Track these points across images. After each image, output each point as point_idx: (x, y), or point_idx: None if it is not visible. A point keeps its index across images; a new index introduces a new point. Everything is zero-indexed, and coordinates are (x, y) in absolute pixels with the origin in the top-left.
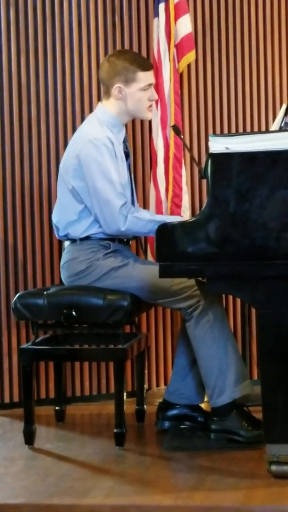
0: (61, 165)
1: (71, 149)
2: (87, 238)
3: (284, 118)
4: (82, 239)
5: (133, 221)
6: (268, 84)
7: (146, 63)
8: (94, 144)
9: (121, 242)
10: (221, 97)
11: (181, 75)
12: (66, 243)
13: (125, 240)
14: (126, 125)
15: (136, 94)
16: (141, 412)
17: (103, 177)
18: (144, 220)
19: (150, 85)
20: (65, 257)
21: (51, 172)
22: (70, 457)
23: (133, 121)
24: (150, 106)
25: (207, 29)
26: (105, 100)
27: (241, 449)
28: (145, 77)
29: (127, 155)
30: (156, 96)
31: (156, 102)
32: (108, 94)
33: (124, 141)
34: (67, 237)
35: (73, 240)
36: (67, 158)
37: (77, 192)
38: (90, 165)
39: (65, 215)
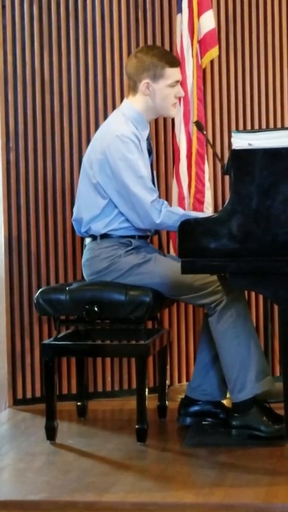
0: (84, 160)
1: (97, 144)
2: (107, 235)
3: None
4: (102, 237)
5: (167, 215)
6: None
7: (174, 59)
8: (122, 140)
9: (142, 239)
10: (244, 93)
11: (204, 70)
12: (87, 241)
13: (145, 236)
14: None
15: (163, 91)
16: (163, 408)
17: (132, 173)
18: (179, 214)
19: (177, 81)
20: (86, 255)
21: (73, 168)
22: (91, 453)
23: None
24: (175, 103)
25: (230, 25)
26: (132, 96)
27: (262, 445)
28: (173, 74)
29: (149, 152)
30: (182, 93)
31: (179, 98)
32: (135, 90)
33: (148, 139)
34: (88, 233)
35: (93, 238)
36: (92, 153)
37: (102, 187)
38: (118, 162)
39: (88, 210)
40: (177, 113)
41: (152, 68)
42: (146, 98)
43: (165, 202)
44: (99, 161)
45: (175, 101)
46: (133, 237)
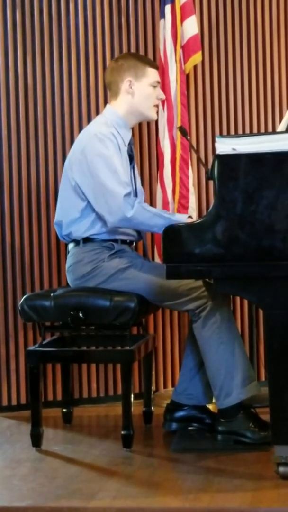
0: (66, 162)
1: (77, 146)
2: (90, 240)
3: None
4: (85, 241)
5: (140, 210)
6: (275, 85)
7: (153, 61)
8: (99, 137)
9: (125, 243)
10: (227, 98)
11: (187, 76)
12: (70, 246)
13: (128, 241)
14: (133, 127)
15: (145, 89)
16: (149, 414)
17: (107, 168)
18: (151, 212)
19: (158, 82)
20: (69, 260)
21: (57, 173)
22: (77, 459)
23: (140, 122)
24: (157, 105)
25: (214, 30)
26: (113, 101)
27: (248, 450)
28: (154, 74)
29: (131, 157)
30: (163, 96)
31: (163, 103)
32: (117, 93)
33: (130, 143)
34: (69, 237)
35: (76, 243)
36: (72, 155)
37: (80, 188)
38: (94, 158)
39: (67, 213)
40: (161, 119)
41: (133, 68)
42: (128, 98)
43: (139, 198)
44: (78, 161)
45: (157, 102)
46: (115, 241)
